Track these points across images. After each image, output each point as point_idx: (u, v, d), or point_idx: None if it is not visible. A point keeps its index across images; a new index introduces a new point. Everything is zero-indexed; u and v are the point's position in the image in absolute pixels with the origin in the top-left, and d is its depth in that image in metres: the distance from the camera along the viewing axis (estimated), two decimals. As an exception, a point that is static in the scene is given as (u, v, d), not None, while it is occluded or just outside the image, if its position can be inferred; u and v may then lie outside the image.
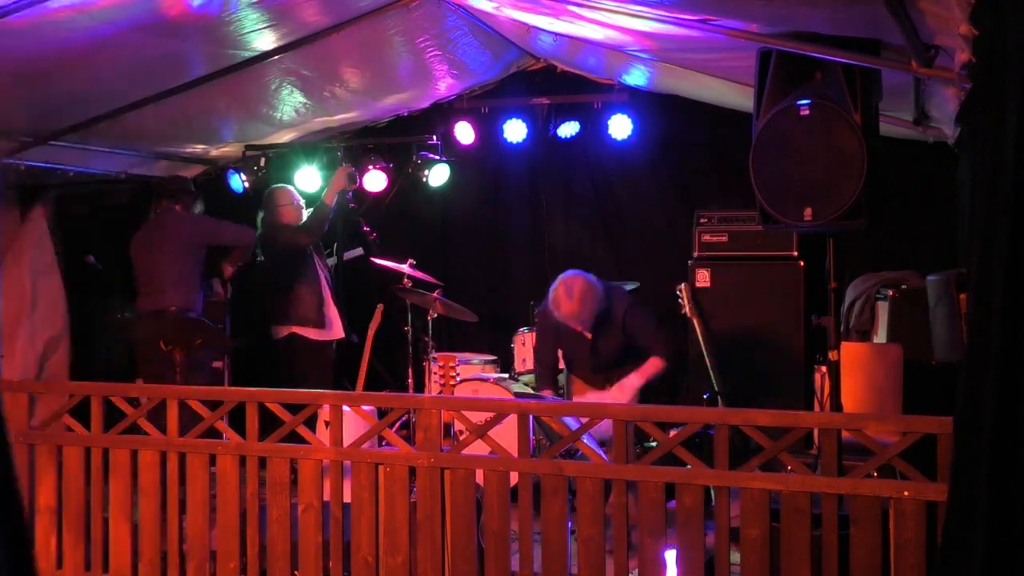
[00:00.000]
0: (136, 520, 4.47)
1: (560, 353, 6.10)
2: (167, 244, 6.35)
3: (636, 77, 6.93)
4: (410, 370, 7.24)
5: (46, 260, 6.65)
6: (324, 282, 6.94)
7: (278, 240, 6.89)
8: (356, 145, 7.77)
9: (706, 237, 7.08)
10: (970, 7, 2.67)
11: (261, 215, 7.02)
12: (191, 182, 6.91)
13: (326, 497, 4.19)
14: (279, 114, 6.83)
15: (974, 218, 2.52)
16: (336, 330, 6.96)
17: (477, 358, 7.11)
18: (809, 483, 3.55)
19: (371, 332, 6.14)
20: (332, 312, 6.92)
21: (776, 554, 3.57)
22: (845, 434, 3.73)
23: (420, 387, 7.16)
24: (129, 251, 6.59)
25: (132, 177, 7.62)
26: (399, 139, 7.68)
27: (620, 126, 7.30)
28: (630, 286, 6.88)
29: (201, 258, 6.54)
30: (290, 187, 7.10)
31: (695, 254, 7.10)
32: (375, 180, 7.71)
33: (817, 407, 6.12)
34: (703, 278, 7.02)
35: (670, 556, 3.76)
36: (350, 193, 7.20)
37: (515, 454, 3.97)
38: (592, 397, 5.88)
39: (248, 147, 7.45)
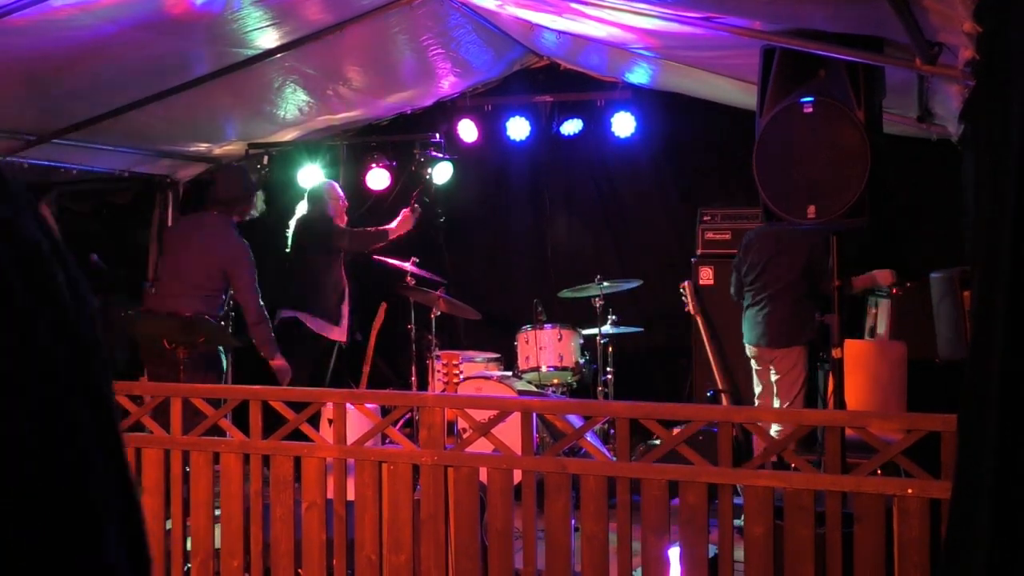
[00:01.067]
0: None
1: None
2: (206, 255, 6.04)
3: (639, 75, 6.93)
4: (413, 368, 7.25)
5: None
6: (347, 284, 7.02)
7: (318, 231, 6.94)
8: (359, 143, 7.78)
9: (709, 235, 7.08)
10: (974, 4, 2.67)
11: (308, 204, 7.07)
12: (246, 178, 6.42)
13: (330, 495, 4.19)
14: (282, 112, 6.84)
15: (977, 216, 2.51)
16: (343, 332, 7.00)
17: (480, 356, 7.11)
18: (813, 481, 3.54)
19: (374, 330, 6.16)
20: (346, 313, 6.98)
21: (780, 552, 3.57)
22: (849, 432, 3.73)
23: (423, 385, 7.17)
24: (163, 241, 6.35)
25: (135, 175, 7.63)
26: (402, 137, 7.68)
27: (623, 124, 7.30)
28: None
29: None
30: (338, 184, 7.19)
31: (698, 252, 7.10)
32: (378, 178, 7.74)
33: (821, 405, 6.11)
34: (707, 276, 7.02)
35: (673, 554, 3.76)
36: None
37: (519, 452, 3.97)
38: None
39: (251, 145, 7.46)
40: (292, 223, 7.08)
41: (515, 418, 4.15)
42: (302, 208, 7.09)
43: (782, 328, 5.96)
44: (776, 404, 6.00)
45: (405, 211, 7.16)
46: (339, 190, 7.16)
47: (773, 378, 6.02)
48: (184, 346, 5.75)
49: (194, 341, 5.79)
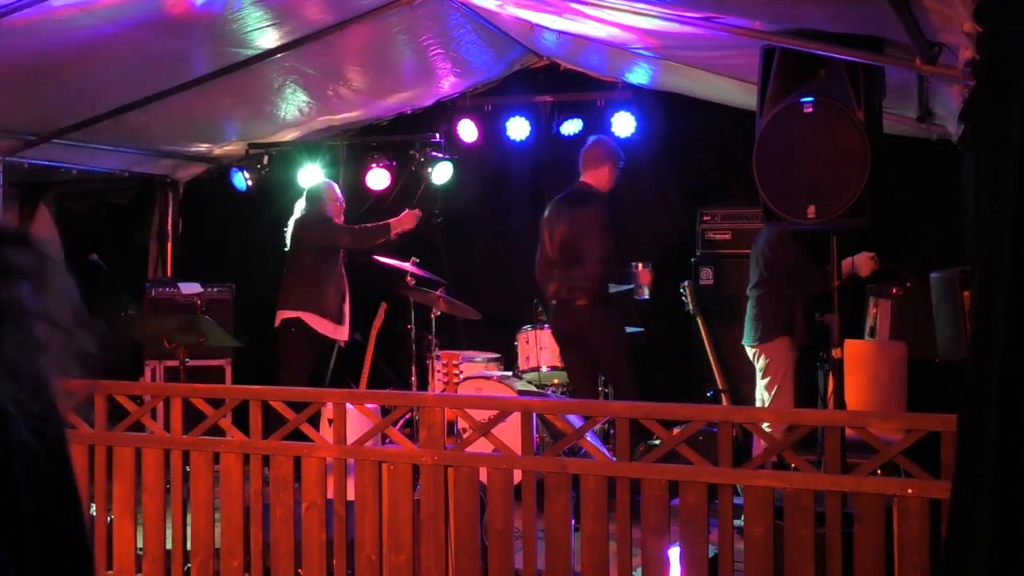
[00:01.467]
0: (140, 518, 4.48)
1: None
2: None
3: (639, 75, 6.92)
4: (413, 368, 7.25)
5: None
6: (346, 281, 7.03)
7: (317, 231, 6.95)
8: (359, 143, 7.78)
9: (709, 235, 7.08)
10: (974, 4, 2.67)
11: (305, 205, 7.07)
12: None
13: (330, 495, 4.19)
14: (282, 112, 6.84)
15: (978, 216, 2.51)
16: (344, 331, 7.01)
17: (480, 356, 7.11)
18: (813, 481, 3.54)
19: (374, 330, 6.16)
20: (347, 312, 7.00)
21: (780, 552, 3.57)
22: (849, 432, 3.73)
23: (423, 385, 7.17)
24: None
25: (135, 175, 7.64)
26: (402, 137, 7.69)
27: (623, 124, 7.30)
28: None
29: None
30: (336, 184, 7.17)
31: (698, 252, 7.10)
32: (378, 178, 7.74)
33: (821, 405, 6.11)
34: (707, 276, 7.02)
35: (673, 554, 3.76)
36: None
37: (519, 452, 3.96)
38: None
39: (251, 145, 7.46)
40: (290, 223, 7.08)
41: (515, 418, 4.14)
42: (299, 208, 7.09)
43: (754, 324, 6.02)
44: (758, 402, 6.02)
45: (414, 211, 7.16)
46: (337, 190, 7.16)
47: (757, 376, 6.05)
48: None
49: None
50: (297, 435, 4.26)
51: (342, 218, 7.16)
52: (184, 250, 8.15)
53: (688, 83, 6.70)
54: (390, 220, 7.05)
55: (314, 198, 7.05)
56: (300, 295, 6.83)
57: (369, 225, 7.08)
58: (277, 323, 6.88)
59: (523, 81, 7.62)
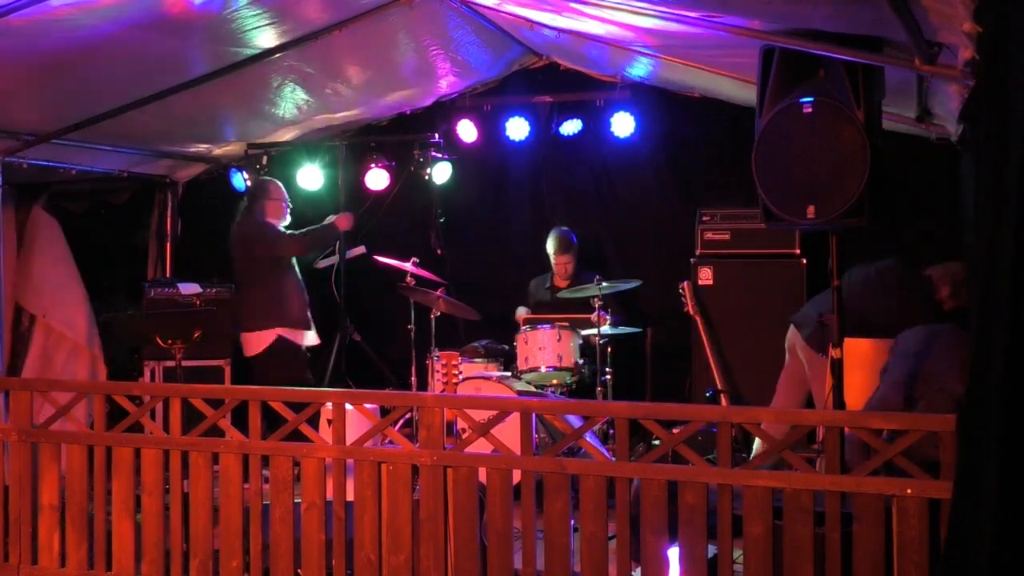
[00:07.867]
0: (139, 518, 4.47)
1: None
2: None
3: (639, 69, 6.90)
4: (413, 368, 7.24)
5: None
6: (302, 283, 6.98)
7: (261, 246, 6.85)
8: (358, 143, 7.77)
9: (709, 235, 7.07)
10: (973, 4, 2.67)
11: (246, 204, 7.00)
12: None
13: (329, 496, 4.19)
14: (281, 112, 6.84)
15: (978, 215, 2.51)
16: (314, 336, 6.99)
17: (480, 356, 7.10)
18: (812, 481, 3.54)
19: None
20: (311, 316, 6.97)
21: (779, 552, 3.56)
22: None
23: (423, 385, 7.16)
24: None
25: (134, 175, 7.63)
26: (401, 137, 7.69)
27: (622, 123, 7.29)
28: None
29: None
30: (279, 184, 7.08)
31: (698, 252, 7.10)
32: (377, 178, 7.74)
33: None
34: (706, 276, 7.02)
35: (673, 554, 3.76)
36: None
37: (518, 452, 3.96)
38: None
39: (250, 145, 7.45)
40: (232, 228, 7.00)
41: (514, 418, 4.14)
42: (241, 210, 7.04)
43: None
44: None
45: (348, 213, 7.15)
46: (282, 191, 7.03)
47: None
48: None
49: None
50: (297, 435, 4.25)
51: (287, 218, 7.05)
52: (184, 250, 8.15)
53: (688, 78, 6.68)
54: (334, 220, 6.98)
55: (255, 198, 6.95)
56: (269, 310, 6.77)
57: (315, 229, 6.99)
58: (257, 348, 6.76)
59: (522, 81, 7.61)
